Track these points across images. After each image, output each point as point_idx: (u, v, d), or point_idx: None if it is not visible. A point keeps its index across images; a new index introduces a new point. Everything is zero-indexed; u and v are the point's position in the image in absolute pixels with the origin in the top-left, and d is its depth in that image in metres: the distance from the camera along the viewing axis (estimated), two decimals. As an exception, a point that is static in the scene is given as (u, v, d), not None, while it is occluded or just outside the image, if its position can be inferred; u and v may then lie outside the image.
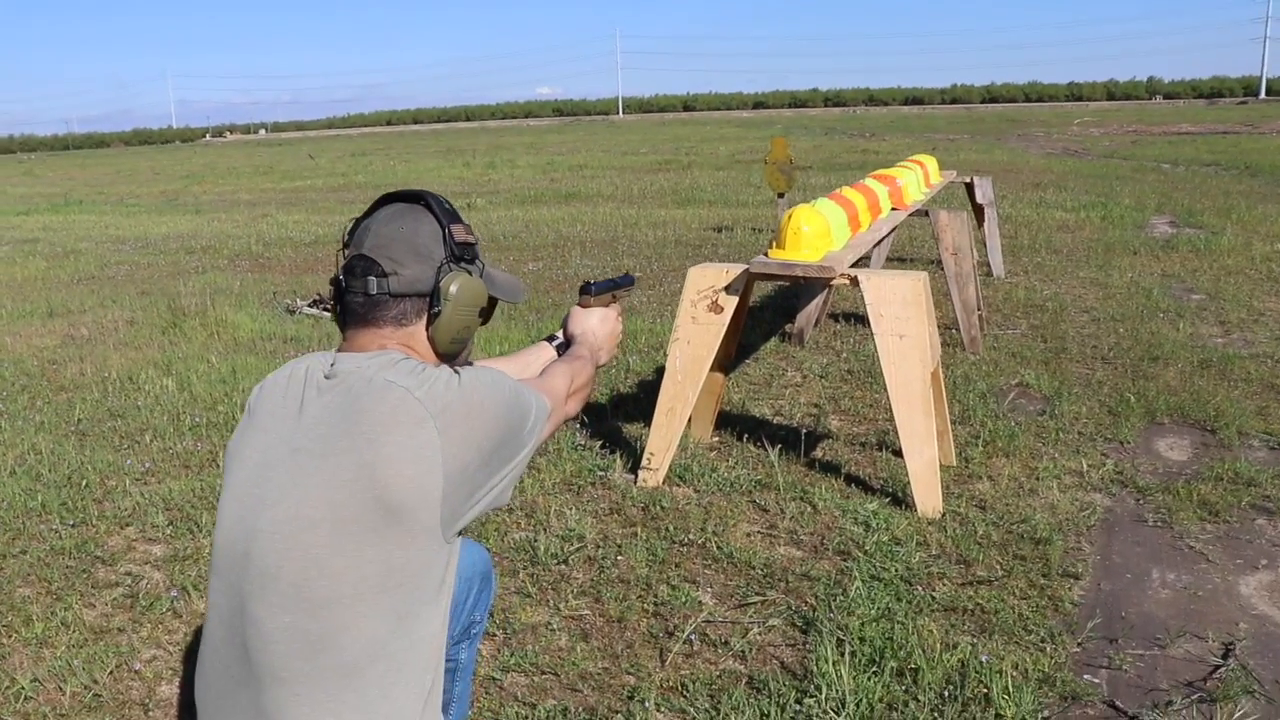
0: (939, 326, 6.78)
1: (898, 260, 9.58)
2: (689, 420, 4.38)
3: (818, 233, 4.08)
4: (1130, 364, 5.97)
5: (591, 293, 2.39)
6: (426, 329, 1.83)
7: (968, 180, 8.54)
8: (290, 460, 1.70)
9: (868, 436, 4.82)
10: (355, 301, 1.80)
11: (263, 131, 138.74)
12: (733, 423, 4.97)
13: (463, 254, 1.84)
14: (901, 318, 3.84)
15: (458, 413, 1.69)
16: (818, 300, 6.36)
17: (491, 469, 1.75)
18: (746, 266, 4.09)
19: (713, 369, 4.34)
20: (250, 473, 1.74)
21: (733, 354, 4.72)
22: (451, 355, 1.88)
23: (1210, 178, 18.33)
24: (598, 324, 2.35)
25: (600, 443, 4.73)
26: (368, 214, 1.87)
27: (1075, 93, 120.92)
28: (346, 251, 1.84)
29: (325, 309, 8.28)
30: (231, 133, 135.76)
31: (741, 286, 4.09)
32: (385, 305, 1.79)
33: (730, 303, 4.10)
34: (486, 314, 1.94)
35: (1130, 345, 6.36)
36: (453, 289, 1.81)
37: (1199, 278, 8.61)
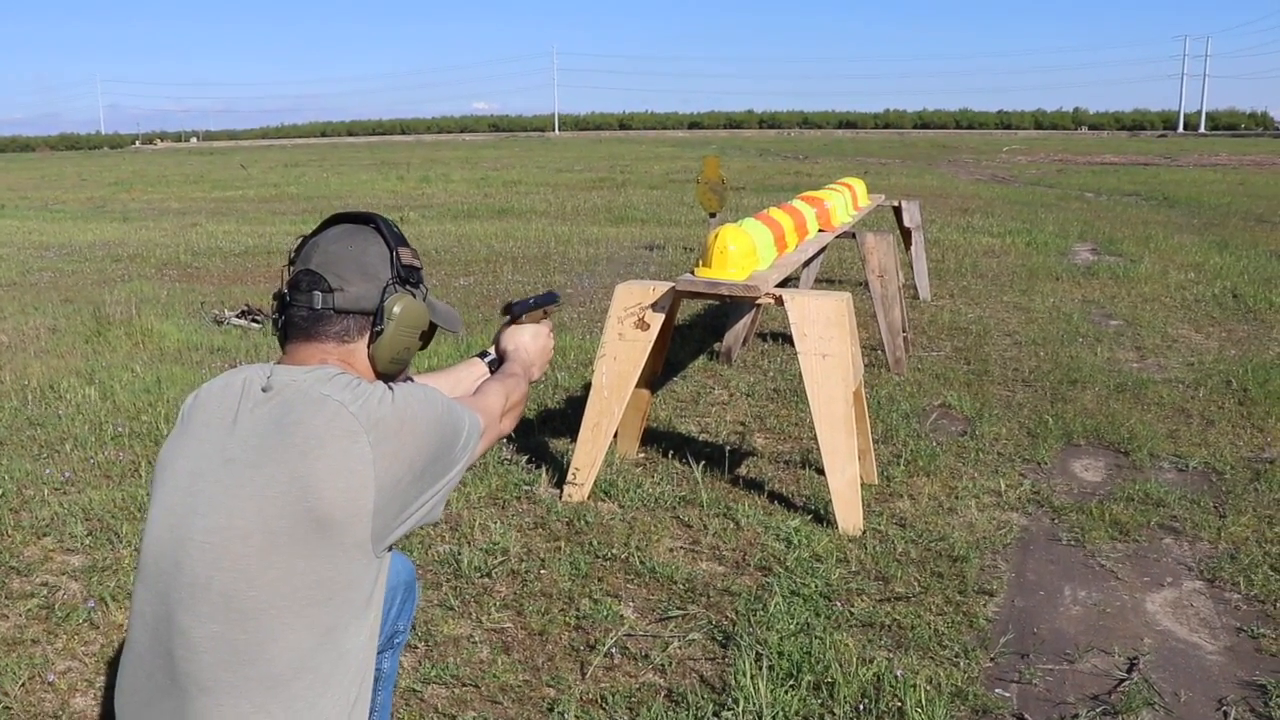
0: (865, 347, 6.90)
1: (826, 281, 9.72)
2: (615, 436, 4.42)
3: (744, 252, 4.14)
4: (1050, 387, 6.11)
5: (514, 312, 2.38)
6: (368, 347, 1.84)
7: (896, 204, 8.69)
8: (223, 470, 1.69)
9: (792, 454, 4.89)
10: (299, 315, 1.81)
11: (194, 140, 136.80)
12: (659, 439, 5.01)
13: (408, 276, 1.87)
14: (825, 338, 3.91)
15: (391, 428, 1.70)
16: (746, 319, 6.43)
17: (423, 485, 1.76)
18: (673, 284, 4.13)
19: (639, 385, 4.38)
20: (182, 481, 1.73)
21: (659, 370, 4.77)
22: (390, 375, 1.89)
23: (1131, 207, 18.83)
24: (530, 340, 2.35)
25: (526, 457, 4.74)
26: (316, 232, 1.88)
27: (1005, 121, 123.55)
28: (292, 268, 1.85)
29: (254, 320, 8.21)
30: (162, 140, 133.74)
31: (668, 304, 4.14)
32: (329, 320, 1.80)
33: (657, 320, 4.14)
34: (426, 338, 1.96)
35: (1050, 369, 6.51)
36: (396, 309, 1.83)
37: (1117, 304, 8.84)
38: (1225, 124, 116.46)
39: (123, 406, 5.63)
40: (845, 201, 6.71)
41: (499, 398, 2.08)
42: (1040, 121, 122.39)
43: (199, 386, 1.88)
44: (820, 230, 5.83)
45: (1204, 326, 7.96)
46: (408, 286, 1.86)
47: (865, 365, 6.51)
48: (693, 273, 4.19)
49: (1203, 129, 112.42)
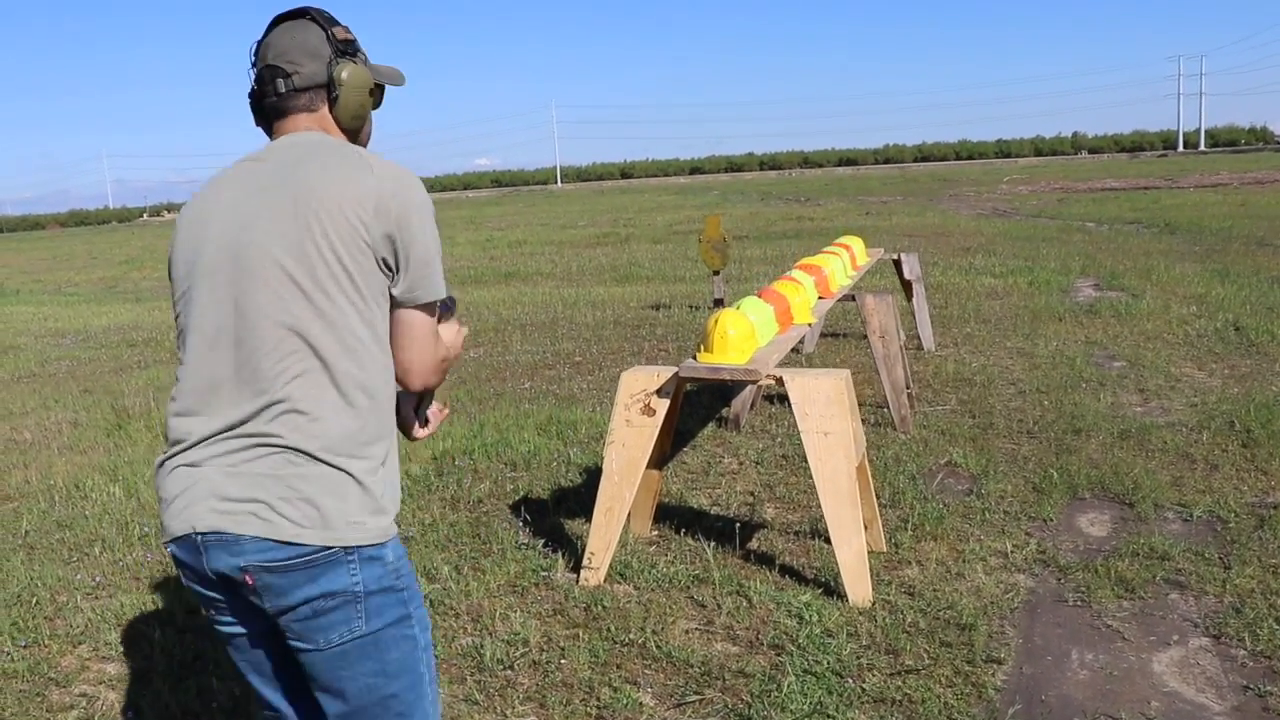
0: (871, 405, 7.01)
1: (830, 335, 9.84)
2: (628, 516, 4.54)
3: (743, 335, 4.27)
4: (1054, 437, 6.20)
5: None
6: (330, 112, 2.20)
7: (895, 257, 8.82)
8: (259, 195, 2.05)
9: (801, 524, 4.99)
10: (270, 101, 2.18)
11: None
12: (671, 515, 5.12)
13: (345, 49, 2.20)
14: (825, 415, 4.03)
15: (401, 182, 2.05)
16: (752, 386, 6.54)
17: (398, 249, 2.03)
18: (676, 370, 4.27)
19: (649, 467, 4.50)
20: (225, 210, 2.08)
21: (668, 451, 4.88)
22: (355, 130, 2.24)
23: (1132, 237, 18.95)
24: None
25: (543, 541, 4.86)
26: (264, 35, 2.22)
27: (1004, 150, 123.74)
28: (254, 69, 2.21)
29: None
30: (169, 211, 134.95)
31: (672, 389, 4.27)
32: (294, 98, 2.16)
33: (662, 405, 4.27)
34: (377, 98, 2.28)
35: (1054, 418, 6.61)
36: (344, 75, 2.18)
37: (1120, 344, 8.94)
38: (1225, 140, 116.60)
39: (148, 504, 5.76)
40: (843, 264, 6.85)
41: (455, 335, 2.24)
42: (1040, 148, 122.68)
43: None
44: (820, 298, 5.95)
45: (1206, 363, 8.05)
46: (347, 56, 2.19)
47: (871, 424, 6.63)
48: (694, 357, 4.32)
49: (1203, 146, 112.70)
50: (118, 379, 10.24)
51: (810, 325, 5.30)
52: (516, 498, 5.57)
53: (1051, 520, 4.94)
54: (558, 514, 5.24)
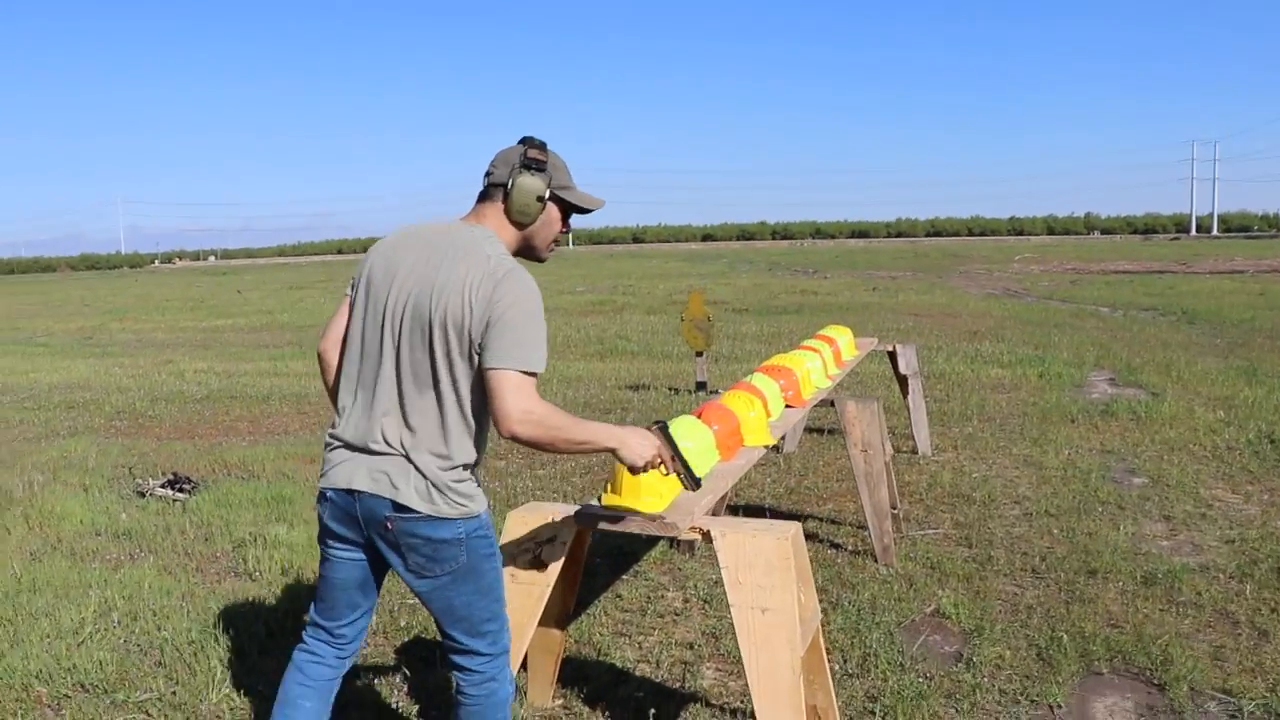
0: (851, 524, 6.01)
1: (816, 432, 8.84)
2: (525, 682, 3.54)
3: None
4: (1064, 579, 5.20)
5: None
6: (503, 204, 2.82)
7: (890, 349, 7.87)
8: (425, 271, 2.76)
9: (744, 697, 3.96)
10: (484, 187, 2.88)
11: (213, 258, 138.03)
12: (586, 675, 4.10)
13: (529, 164, 2.79)
14: (764, 587, 3.03)
15: (508, 283, 2.70)
16: (712, 498, 5.54)
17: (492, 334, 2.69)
18: (573, 514, 3.28)
19: (545, 625, 3.50)
20: (405, 272, 2.80)
21: (571, 608, 3.85)
22: (521, 225, 2.85)
23: (1148, 325, 18.01)
24: (636, 437, 3.03)
25: (417, 708, 3.84)
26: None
27: (1017, 227, 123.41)
28: None
29: (180, 490, 7.40)
30: (181, 259, 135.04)
31: (570, 538, 3.28)
32: (489, 190, 2.86)
33: (556, 556, 3.28)
34: (564, 215, 2.93)
35: (1066, 552, 5.60)
36: (518, 180, 2.78)
37: (1140, 454, 7.93)
38: (1238, 226, 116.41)
39: (-30, 630, 4.76)
40: (824, 361, 5.84)
41: (554, 415, 2.84)
42: (1052, 227, 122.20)
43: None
44: (789, 406, 4.97)
45: (1241, 485, 7.04)
46: (530, 170, 2.78)
47: (849, 550, 5.65)
48: (599, 499, 3.33)
49: (1215, 231, 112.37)
50: (34, 447, 9.27)
51: (768, 448, 4.30)
52: (405, 639, 4.57)
53: (1060, 706, 3.91)
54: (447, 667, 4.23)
